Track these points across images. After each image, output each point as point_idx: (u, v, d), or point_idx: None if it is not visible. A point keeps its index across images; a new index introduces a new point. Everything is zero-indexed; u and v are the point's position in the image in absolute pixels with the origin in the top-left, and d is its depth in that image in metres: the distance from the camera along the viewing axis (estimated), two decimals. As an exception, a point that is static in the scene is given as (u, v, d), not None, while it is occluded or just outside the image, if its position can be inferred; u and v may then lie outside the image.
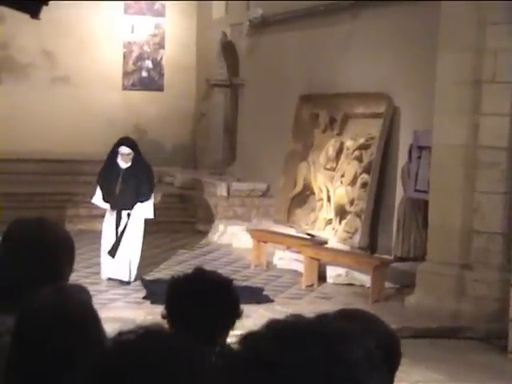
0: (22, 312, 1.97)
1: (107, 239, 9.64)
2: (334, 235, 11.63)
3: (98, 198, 9.81)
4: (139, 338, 1.39)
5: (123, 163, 9.70)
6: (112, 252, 9.56)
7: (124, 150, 9.69)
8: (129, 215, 9.59)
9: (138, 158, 9.73)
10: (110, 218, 9.70)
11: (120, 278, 9.64)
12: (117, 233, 9.57)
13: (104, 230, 9.74)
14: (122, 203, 9.59)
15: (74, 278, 8.67)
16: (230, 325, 2.81)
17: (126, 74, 17.92)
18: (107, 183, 9.68)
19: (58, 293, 2.00)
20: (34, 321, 1.92)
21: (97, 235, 10.24)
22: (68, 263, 2.44)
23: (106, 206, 9.71)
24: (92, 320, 1.97)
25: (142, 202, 9.62)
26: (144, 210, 9.65)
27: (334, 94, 12.26)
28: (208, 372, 1.37)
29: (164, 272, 10.43)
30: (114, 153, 9.76)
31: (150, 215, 9.71)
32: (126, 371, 1.33)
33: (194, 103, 18.22)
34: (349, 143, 11.76)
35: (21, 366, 1.89)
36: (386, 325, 2.02)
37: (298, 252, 10.74)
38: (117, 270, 9.63)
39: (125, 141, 9.87)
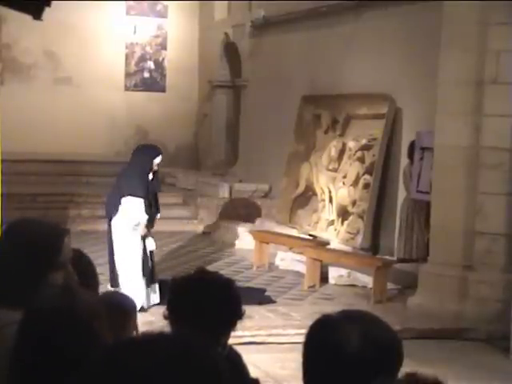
0: (28, 310, 1.97)
1: (138, 263, 8.33)
2: (336, 236, 11.62)
3: (144, 219, 8.23)
4: (142, 339, 1.38)
5: (150, 175, 8.36)
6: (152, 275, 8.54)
7: (160, 159, 8.35)
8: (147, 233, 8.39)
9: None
10: (138, 238, 8.27)
11: (157, 302, 8.52)
12: (146, 254, 8.37)
13: (138, 253, 8.28)
14: (151, 220, 8.38)
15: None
16: (232, 325, 2.80)
17: (128, 74, 17.94)
18: (147, 200, 8.27)
19: (67, 293, 2.00)
20: (39, 320, 1.91)
21: (99, 236, 10.15)
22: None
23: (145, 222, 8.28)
24: (99, 322, 1.96)
25: (158, 214, 8.62)
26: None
27: (336, 94, 12.25)
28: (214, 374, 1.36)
29: (166, 273, 10.42)
30: (148, 163, 8.25)
31: None
32: (124, 371, 1.32)
33: (196, 104, 18.23)
34: (351, 144, 11.76)
35: (24, 365, 1.88)
36: (389, 326, 2.01)
37: (300, 253, 10.73)
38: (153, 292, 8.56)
39: (159, 148, 8.64)
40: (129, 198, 8.15)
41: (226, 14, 16.75)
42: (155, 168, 8.36)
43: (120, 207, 8.20)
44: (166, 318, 2.76)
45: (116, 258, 8.30)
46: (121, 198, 8.20)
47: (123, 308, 3.32)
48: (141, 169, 8.26)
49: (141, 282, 8.33)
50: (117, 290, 7.79)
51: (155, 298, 8.48)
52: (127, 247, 8.22)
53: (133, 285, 8.15)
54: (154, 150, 8.48)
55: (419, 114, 10.54)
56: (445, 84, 8.93)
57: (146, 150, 8.53)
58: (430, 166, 9.60)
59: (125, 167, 8.60)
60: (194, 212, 14.48)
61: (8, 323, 2.07)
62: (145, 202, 8.17)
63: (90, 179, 15.19)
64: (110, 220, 8.37)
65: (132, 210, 8.15)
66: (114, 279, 8.38)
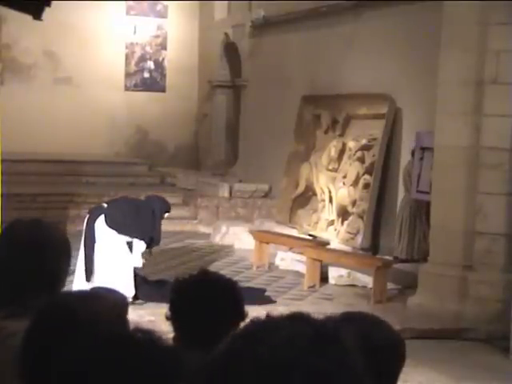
0: (39, 310, 1.93)
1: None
2: (336, 236, 11.63)
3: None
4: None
5: None
6: None
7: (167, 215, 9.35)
8: None
9: None
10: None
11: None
12: None
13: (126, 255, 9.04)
14: None
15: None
16: (234, 326, 2.80)
17: (128, 74, 17.94)
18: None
19: (80, 294, 1.98)
20: (49, 321, 1.87)
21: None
22: (64, 265, 2.42)
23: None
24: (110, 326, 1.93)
25: None
26: None
27: (336, 94, 12.26)
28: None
29: (166, 273, 10.42)
30: (161, 214, 9.18)
31: None
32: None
33: (196, 104, 18.23)
34: (351, 144, 11.76)
35: (31, 372, 1.86)
36: (390, 327, 2.02)
37: (300, 253, 10.74)
38: None
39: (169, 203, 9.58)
40: (137, 240, 8.72)
41: (226, 14, 16.75)
42: None
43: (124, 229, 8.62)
44: (168, 318, 2.77)
45: (100, 257, 8.53)
46: (129, 229, 8.66)
47: (114, 303, 3.32)
48: (154, 216, 8.99)
49: (131, 276, 8.69)
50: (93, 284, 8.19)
51: None
52: (116, 252, 8.59)
53: (123, 279, 8.51)
54: (168, 206, 9.37)
55: (419, 114, 10.55)
56: (445, 84, 8.94)
57: (163, 202, 9.32)
58: (430, 166, 9.61)
59: (141, 205, 9.08)
60: (193, 212, 14.48)
61: (16, 331, 2.06)
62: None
63: (90, 179, 15.20)
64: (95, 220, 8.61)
65: (138, 252, 8.74)
66: (89, 275, 8.58)
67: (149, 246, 8.92)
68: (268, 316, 1.18)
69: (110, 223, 8.55)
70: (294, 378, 1.09)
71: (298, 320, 1.18)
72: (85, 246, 8.59)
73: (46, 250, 2.36)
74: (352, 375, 1.14)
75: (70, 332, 1.77)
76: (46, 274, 2.33)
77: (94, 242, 8.55)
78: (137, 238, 8.73)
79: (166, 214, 9.29)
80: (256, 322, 1.17)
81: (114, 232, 8.57)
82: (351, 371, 1.14)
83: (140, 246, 8.76)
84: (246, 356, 1.11)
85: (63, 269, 2.41)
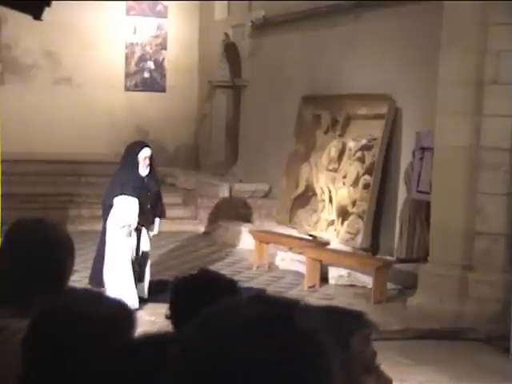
0: (38, 315, 1.90)
1: (127, 263, 8.26)
2: (336, 236, 11.63)
3: (133, 219, 8.15)
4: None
5: (143, 170, 8.24)
6: (141, 274, 8.53)
7: (148, 151, 8.24)
8: (140, 232, 8.36)
9: (151, 163, 8.38)
10: (125, 239, 8.19)
11: (142, 296, 8.59)
12: (137, 253, 8.38)
13: (122, 253, 8.16)
14: (147, 219, 8.38)
15: (77, 278, 8.59)
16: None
17: (128, 74, 17.94)
18: (139, 198, 8.19)
19: (89, 294, 1.96)
20: (48, 325, 1.85)
21: (99, 236, 10.11)
22: (69, 264, 2.44)
23: (134, 224, 8.20)
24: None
25: (160, 217, 8.68)
26: (158, 226, 8.66)
27: (336, 95, 12.26)
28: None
29: (166, 273, 10.42)
30: (133, 158, 8.21)
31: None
32: None
33: (196, 104, 18.23)
34: (351, 144, 11.76)
35: (31, 373, 1.84)
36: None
37: (300, 253, 10.74)
38: (140, 290, 8.54)
39: (143, 142, 8.69)
40: (120, 197, 8.11)
41: (226, 14, 16.75)
42: (145, 162, 8.26)
43: (112, 207, 8.20)
44: (167, 317, 2.77)
45: (105, 259, 8.29)
46: (113, 198, 8.18)
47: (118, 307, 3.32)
48: (127, 166, 8.25)
49: (131, 282, 8.34)
50: (96, 288, 7.83)
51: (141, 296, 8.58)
52: (117, 247, 8.19)
53: (122, 285, 8.18)
54: (137, 145, 8.51)
55: (419, 114, 10.55)
56: (445, 84, 8.94)
57: (129, 147, 8.55)
58: (430, 166, 9.61)
59: (115, 169, 8.65)
60: (193, 212, 14.49)
61: (19, 330, 2.05)
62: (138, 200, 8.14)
63: (90, 179, 15.20)
64: (106, 220, 8.41)
65: (121, 210, 8.12)
66: (94, 277, 8.44)
67: (143, 197, 8.19)
68: (229, 300, 1.07)
69: (109, 210, 8.19)
70: (231, 368, 0.97)
71: (252, 302, 1.04)
72: (98, 249, 8.49)
73: (52, 248, 2.37)
74: (311, 369, 0.98)
75: (71, 334, 1.76)
76: (51, 273, 2.34)
77: (101, 244, 8.45)
78: (118, 195, 8.02)
79: (143, 154, 8.27)
80: (213, 307, 1.09)
81: (119, 233, 8.22)
82: (307, 363, 0.98)
83: (129, 202, 8.03)
84: (194, 343, 1.03)
85: (68, 268, 2.42)
